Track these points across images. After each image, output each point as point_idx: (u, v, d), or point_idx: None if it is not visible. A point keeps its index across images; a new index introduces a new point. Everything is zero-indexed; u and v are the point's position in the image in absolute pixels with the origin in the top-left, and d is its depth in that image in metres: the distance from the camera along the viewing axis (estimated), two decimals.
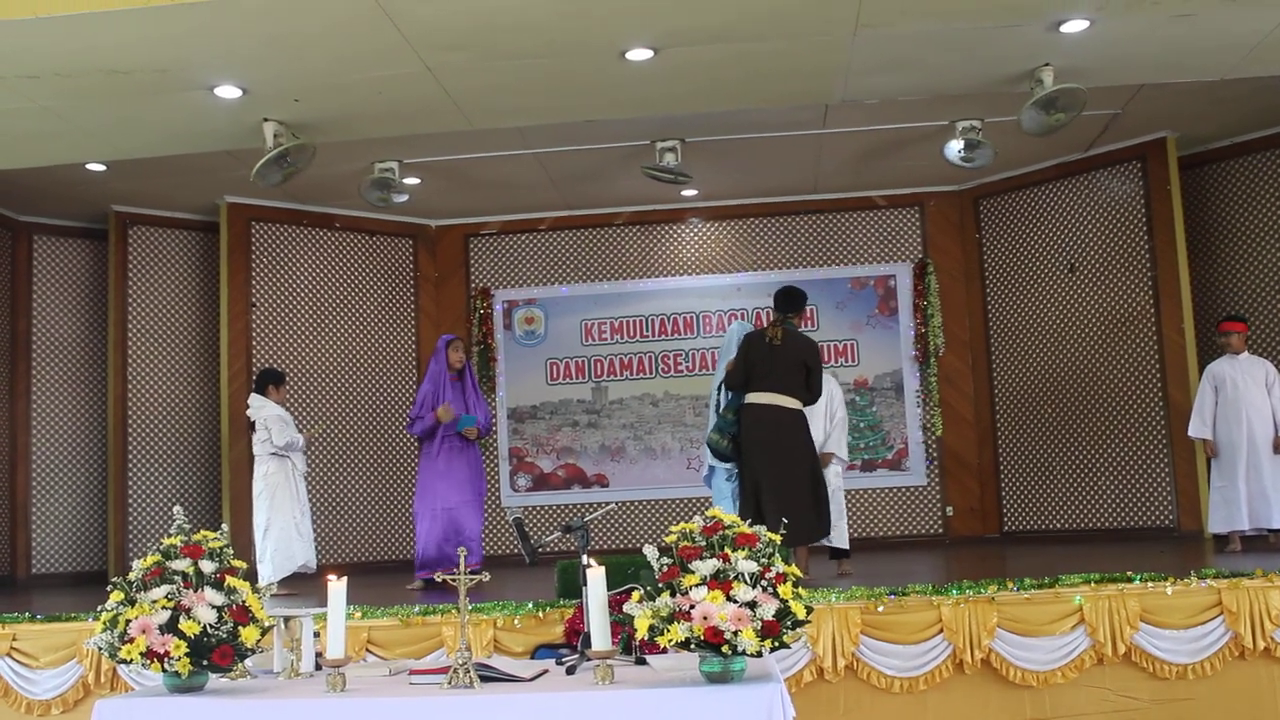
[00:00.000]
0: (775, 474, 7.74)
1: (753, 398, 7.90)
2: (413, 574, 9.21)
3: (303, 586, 9.30)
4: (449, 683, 3.73)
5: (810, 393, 7.91)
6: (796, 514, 7.65)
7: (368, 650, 6.34)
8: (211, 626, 3.78)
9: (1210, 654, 6.10)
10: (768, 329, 8.01)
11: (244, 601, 3.91)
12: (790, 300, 8.14)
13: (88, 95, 7.57)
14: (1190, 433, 9.44)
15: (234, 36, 6.83)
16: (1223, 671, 6.11)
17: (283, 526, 9.32)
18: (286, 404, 9.96)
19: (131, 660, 3.72)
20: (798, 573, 3.66)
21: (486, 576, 4.21)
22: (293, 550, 9.30)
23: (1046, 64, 8.00)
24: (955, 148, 10.14)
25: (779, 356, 7.84)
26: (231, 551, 4.07)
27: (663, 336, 12.76)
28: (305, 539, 9.41)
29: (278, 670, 4.30)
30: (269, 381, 9.70)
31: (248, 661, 4.03)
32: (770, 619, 3.48)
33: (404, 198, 10.94)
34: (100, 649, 3.84)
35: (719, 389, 8.42)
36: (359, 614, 6.43)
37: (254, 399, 9.71)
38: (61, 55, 6.91)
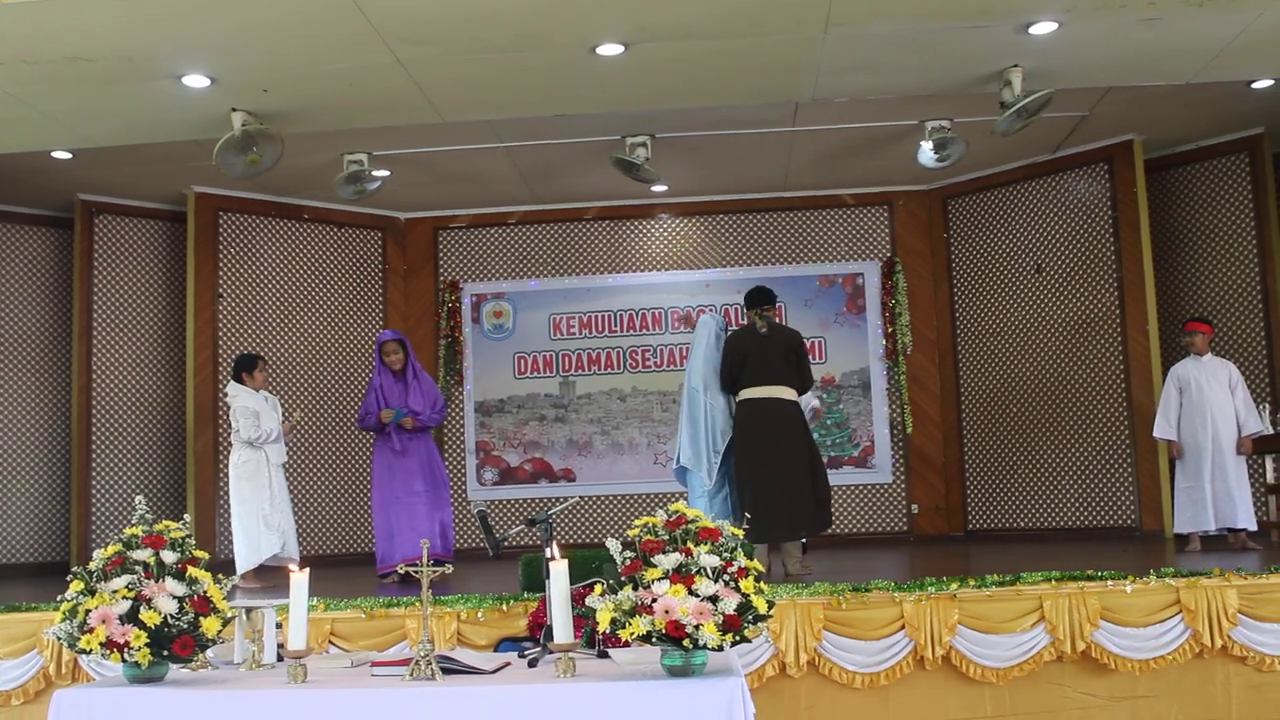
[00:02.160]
0: (782, 468, 7.77)
1: (749, 392, 7.89)
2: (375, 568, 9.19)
3: (281, 579, 9.23)
4: (411, 675, 3.74)
5: (802, 381, 7.96)
6: (803, 507, 7.72)
7: (330, 642, 6.32)
8: (172, 617, 3.76)
9: (1169, 651, 6.16)
10: (755, 321, 8.03)
11: (205, 592, 3.90)
12: (764, 295, 8.17)
13: (53, 82, 7.51)
14: (1155, 434, 9.51)
15: (202, 25, 6.80)
16: (1181, 669, 6.18)
17: (249, 518, 9.18)
18: (269, 386, 9.85)
19: (91, 650, 3.71)
20: (760, 567, 3.68)
21: (450, 569, 4.22)
22: (259, 542, 9.15)
23: (1015, 65, 8.06)
24: (928, 150, 10.17)
25: (769, 346, 7.88)
26: (194, 542, 4.06)
27: (631, 332, 12.77)
28: (276, 530, 9.19)
29: (239, 661, 4.30)
30: (242, 368, 9.53)
31: (209, 652, 4.03)
32: (732, 613, 3.50)
33: (376, 185, 10.87)
34: (59, 639, 3.83)
35: (695, 390, 8.32)
36: (322, 606, 6.42)
37: (230, 387, 9.56)
38: (26, 41, 6.85)
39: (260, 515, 9.17)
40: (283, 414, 9.62)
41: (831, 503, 8.06)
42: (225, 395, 9.67)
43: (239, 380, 9.47)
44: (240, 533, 9.18)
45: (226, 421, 11.37)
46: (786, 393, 7.86)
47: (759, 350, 7.92)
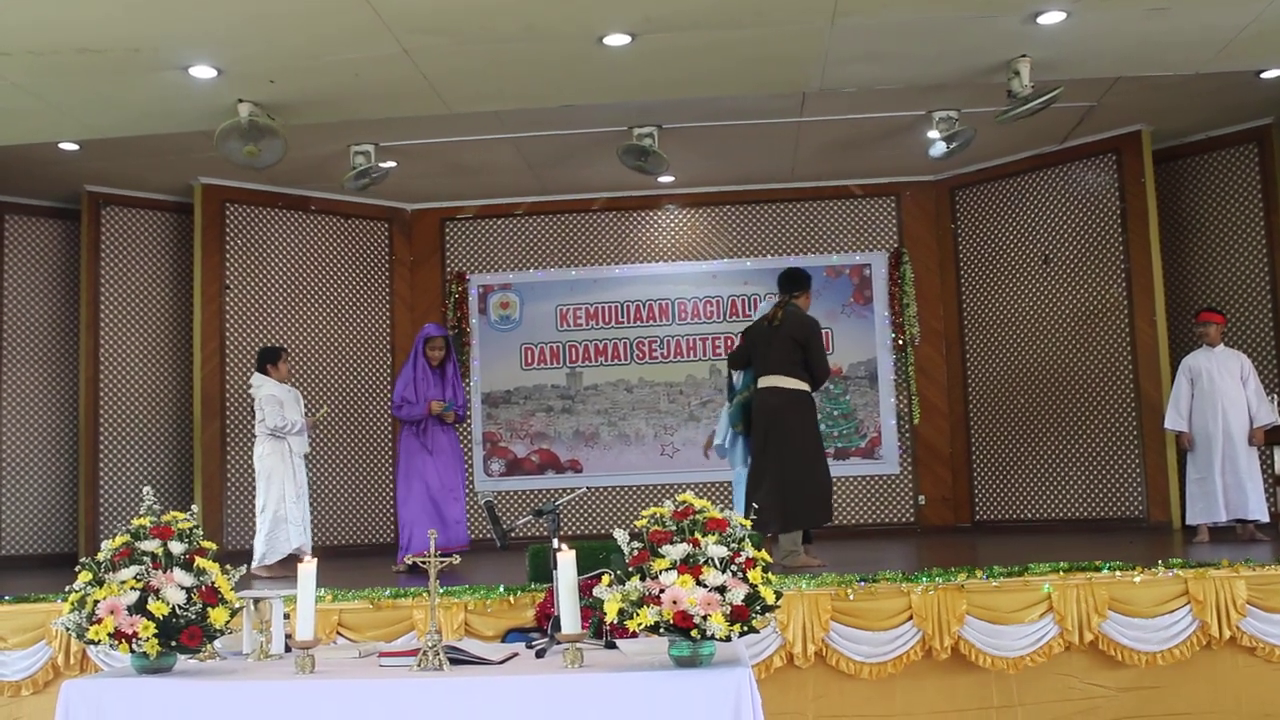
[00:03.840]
0: (772, 457, 7.80)
1: (758, 382, 7.99)
2: (393, 556, 9.25)
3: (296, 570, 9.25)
4: (419, 665, 3.73)
5: (810, 372, 7.89)
6: (789, 499, 7.69)
7: (338, 633, 6.33)
8: (180, 607, 3.76)
9: (1177, 643, 6.15)
10: (772, 311, 8.08)
11: (213, 583, 3.90)
12: (789, 280, 8.21)
13: (60, 73, 7.52)
14: (1166, 425, 9.48)
15: (208, 15, 6.80)
16: (1189, 660, 6.16)
17: (275, 509, 9.20)
18: (291, 379, 9.87)
19: (99, 641, 3.70)
20: (767, 558, 3.67)
21: (457, 559, 4.21)
22: (286, 534, 9.17)
23: (1023, 55, 8.05)
24: (939, 142, 10.13)
25: (775, 337, 7.91)
26: (201, 533, 4.06)
27: (638, 323, 12.76)
28: (296, 523, 9.24)
29: (247, 652, 4.29)
30: (266, 359, 9.57)
31: (217, 643, 4.03)
32: (739, 604, 3.49)
33: (381, 175, 10.82)
34: (68, 629, 3.83)
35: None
36: (329, 596, 6.43)
37: (254, 378, 9.58)
38: (34, 32, 6.86)
39: (285, 507, 9.20)
40: (305, 407, 9.64)
41: (803, 502, 7.78)
42: (250, 386, 9.65)
43: (263, 371, 9.51)
44: (264, 524, 9.21)
45: (234, 413, 11.44)
46: (788, 382, 7.86)
47: (764, 341, 8.01)
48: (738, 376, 8.42)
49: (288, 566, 9.20)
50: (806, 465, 7.85)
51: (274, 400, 9.30)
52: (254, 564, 9.12)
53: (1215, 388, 9.12)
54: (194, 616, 3.79)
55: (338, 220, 12.50)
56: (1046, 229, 11.80)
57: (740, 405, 8.23)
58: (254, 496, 9.52)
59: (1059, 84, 8.30)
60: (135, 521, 3.97)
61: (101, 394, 11.59)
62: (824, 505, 7.96)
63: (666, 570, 3.52)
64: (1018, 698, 6.16)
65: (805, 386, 7.92)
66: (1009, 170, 12.03)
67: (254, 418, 9.61)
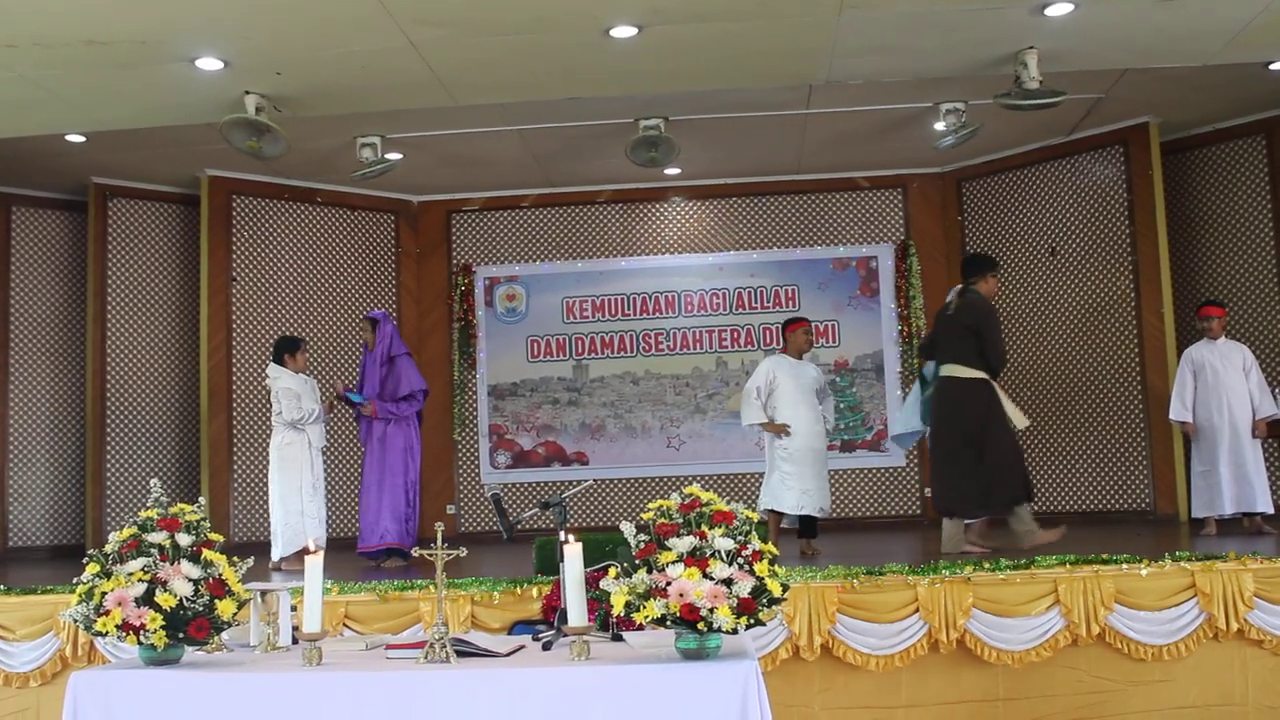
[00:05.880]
0: (936, 446, 7.99)
1: (939, 371, 8.05)
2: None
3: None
4: (425, 657, 3.74)
5: (985, 359, 7.83)
6: (949, 486, 7.84)
7: (345, 625, 6.34)
8: (188, 599, 3.77)
9: (1184, 636, 6.14)
10: (952, 298, 8.15)
11: (220, 575, 3.90)
12: (967, 265, 8.22)
13: (67, 65, 7.52)
14: (1170, 416, 9.48)
15: (215, 7, 6.80)
16: (1196, 653, 6.15)
17: (291, 501, 9.18)
18: (309, 370, 9.85)
19: (107, 633, 3.71)
20: (774, 550, 3.67)
21: (464, 551, 4.21)
22: (303, 525, 9.14)
23: (1030, 47, 8.03)
24: (943, 131, 10.13)
25: (949, 324, 7.96)
26: (209, 525, 4.07)
27: (644, 315, 12.76)
28: (313, 516, 9.23)
29: (254, 644, 4.30)
30: (284, 350, 9.50)
31: (224, 635, 4.04)
32: (746, 596, 3.49)
33: (390, 164, 10.75)
34: (76, 621, 3.83)
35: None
36: (336, 589, 6.43)
37: (270, 369, 9.52)
38: (41, 24, 6.86)
39: (302, 498, 9.20)
40: (320, 396, 9.64)
41: (1003, 484, 7.72)
42: (265, 377, 9.63)
43: (280, 362, 9.45)
44: (282, 516, 9.19)
45: (241, 405, 11.46)
46: (959, 370, 7.87)
47: (943, 329, 8.06)
48: (929, 367, 8.36)
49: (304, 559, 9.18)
50: (989, 450, 7.78)
51: (290, 393, 9.27)
52: (275, 558, 9.10)
53: (1219, 380, 9.12)
54: (201, 608, 3.80)
55: (344, 212, 12.51)
56: (1053, 221, 11.78)
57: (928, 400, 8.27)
58: (262, 487, 9.51)
59: (1062, 90, 8.30)
60: (143, 513, 3.98)
61: (108, 386, 11.61)
62: (1012, 486, 7.77)
63: (673, 563, 3.53)
64: (1024, 690, 6.15)
65: (980, 374, 7.86)
66: (1016, 162, 12.00)
67: (267, 409, 9.60)
